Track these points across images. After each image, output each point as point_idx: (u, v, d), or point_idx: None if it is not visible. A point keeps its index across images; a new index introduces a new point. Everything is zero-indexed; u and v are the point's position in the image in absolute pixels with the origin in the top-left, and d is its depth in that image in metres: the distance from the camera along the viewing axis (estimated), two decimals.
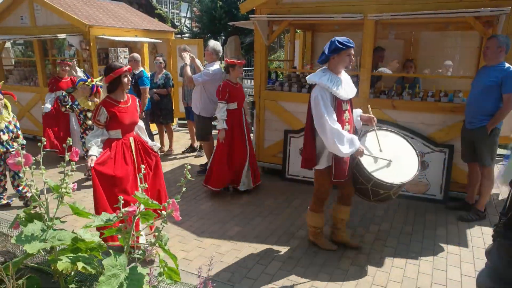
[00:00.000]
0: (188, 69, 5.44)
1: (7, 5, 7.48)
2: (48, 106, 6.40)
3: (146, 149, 3.65)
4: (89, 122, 5.38)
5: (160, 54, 6.95)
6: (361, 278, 3.26)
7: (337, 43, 3.16)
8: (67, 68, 6.52)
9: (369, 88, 4.97)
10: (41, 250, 2.19)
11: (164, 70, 6.64)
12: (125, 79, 3.40)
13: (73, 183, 2.39)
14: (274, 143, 5.65)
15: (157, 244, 2.27)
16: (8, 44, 9.21)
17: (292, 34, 7.62)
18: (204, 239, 3.91)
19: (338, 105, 3.24)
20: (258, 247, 3.75)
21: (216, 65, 5.35)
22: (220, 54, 5.57)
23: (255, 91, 5.64)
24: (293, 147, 5.43)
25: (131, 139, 3.55)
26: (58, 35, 6.80)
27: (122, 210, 2.19)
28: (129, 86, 3.50)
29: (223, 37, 21.59)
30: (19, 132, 4.65)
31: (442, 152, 4.68)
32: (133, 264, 2.14)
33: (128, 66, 3.43)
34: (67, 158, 2.33)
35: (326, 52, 3.21)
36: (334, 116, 3.18)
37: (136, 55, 6.35)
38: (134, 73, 6.23)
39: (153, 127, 7.09)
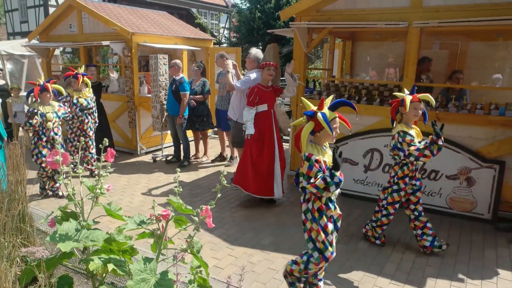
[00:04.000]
0: (230, 76, 5.43)
1: (59, 14, 7.90)
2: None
3: None
4: None
5: (198, 62, 7.01)
6: None
7: None
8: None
9: None
10: (74, 250, 2.19)
11: (202, 78, 6.70)
12: None
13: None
14: None
15: (188, 250, 2.21)
16: (57, 52, 9.70)
17: (332, 43, 7.49)
18: (236, 248, 3.83)
19: None
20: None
21: (257, 73, 5.33)
22: (261, 62, 5.55)
23: (293, 99, 5.55)
24: None
25: None
26: (102, 42, 7.04)
27: (155, 213, 2.15)
28: None
29: (261, 47, 21.73)
30: None
31: (491, 168, 4.37)
32: (163, 270, 2.09)
33: None
34: (102, 159, 2.32)
35: None
36: None
37: (178, 61, 6.45)
38: (174, 79, 6.33)
39: (189, 134, 7.12)
